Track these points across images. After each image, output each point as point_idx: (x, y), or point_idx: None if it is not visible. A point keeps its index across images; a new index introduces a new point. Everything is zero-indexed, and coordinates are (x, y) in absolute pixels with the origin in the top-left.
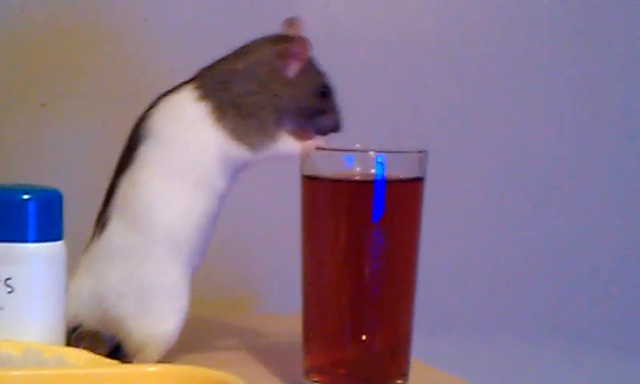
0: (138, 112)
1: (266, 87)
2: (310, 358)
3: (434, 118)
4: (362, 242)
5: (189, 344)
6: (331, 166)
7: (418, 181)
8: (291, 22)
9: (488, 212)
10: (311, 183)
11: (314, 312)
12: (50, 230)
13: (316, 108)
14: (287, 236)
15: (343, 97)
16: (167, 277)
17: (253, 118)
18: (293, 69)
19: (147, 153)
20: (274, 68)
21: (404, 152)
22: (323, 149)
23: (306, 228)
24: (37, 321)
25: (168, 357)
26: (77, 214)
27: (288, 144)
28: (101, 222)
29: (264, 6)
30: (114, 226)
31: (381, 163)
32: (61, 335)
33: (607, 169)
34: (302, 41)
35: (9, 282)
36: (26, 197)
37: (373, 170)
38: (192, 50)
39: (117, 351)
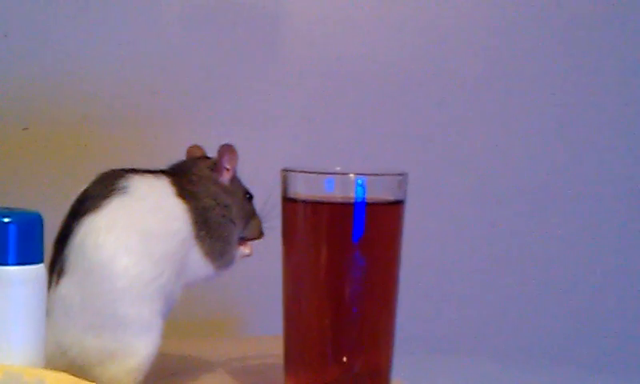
0: (120, 135)
1: (219, 200)
2: (291, 380)
3: (415, 141)
4: (343, 263)
5: (170, 368)
6: (312, 189)
7: (398, 203)
8: (197, 147)
9: (469, 234)
10: (292, 205)
11: (295, 334)
12: (30, 253)
13: (249, 212)
14: (268, 258)
15: (324, 120)
16: (129, 323)
17: (218, 238)
18: (226, 176)
19: (121, 206)
20: (215, 179)
21: (384, 175)
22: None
23: (287, 250)
24: (17, 344)
25: (150, 380)
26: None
27: (240, 254)
28: (55, 270)
29: (249, 30)
30: (71, 275)
31: (361, 186)
32: (41, 358)
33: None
34: (228, 148)
35: None
36: (6, 220)
37: (353, 193)
38: (175, 71)
39: None
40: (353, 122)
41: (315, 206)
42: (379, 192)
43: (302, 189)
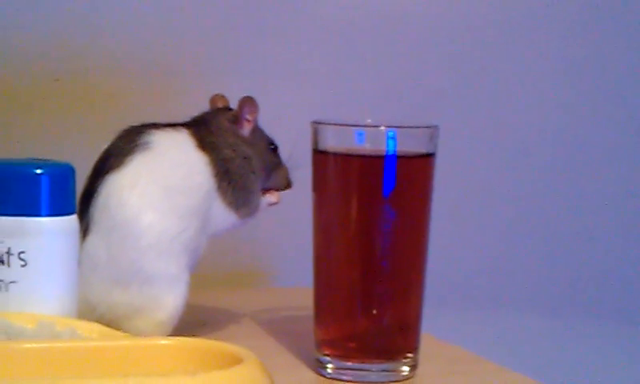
0: (151, 86)
1: (238, 151)
2: (321, 332)
3: (445, 94)
4: (373, 216)
5: (201, 318)
6: (342, 141)
7: (428, 156)
8: (219, 96)
9: (499, 187)
10: (322, 158)
11: (325, 286)
12: (62, 204)
13: (272, 163)
14: (298, 210)
15: (355, 73)
16: (156, 279)
17: (240, 188)
18: (247, 129)
19: (143, 162)
20: (235, 131)
21: (415, 127)
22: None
23: (317, 203)
24: (49, 294)
25: (181, 330)
26: None
27: (266, 203)
28: (82, 227)
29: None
30: (96, 234)
31: (392, 138)
32: (73, 308)
33: (612, 147)
34: (250, 101)
35: (22, 255)
36: (38, 171)
37: (384, 145)
38: (201, 23)
39: None
40: (380, 74)
41: (346, 158)
42: (410, 145)
43: (333, 141)
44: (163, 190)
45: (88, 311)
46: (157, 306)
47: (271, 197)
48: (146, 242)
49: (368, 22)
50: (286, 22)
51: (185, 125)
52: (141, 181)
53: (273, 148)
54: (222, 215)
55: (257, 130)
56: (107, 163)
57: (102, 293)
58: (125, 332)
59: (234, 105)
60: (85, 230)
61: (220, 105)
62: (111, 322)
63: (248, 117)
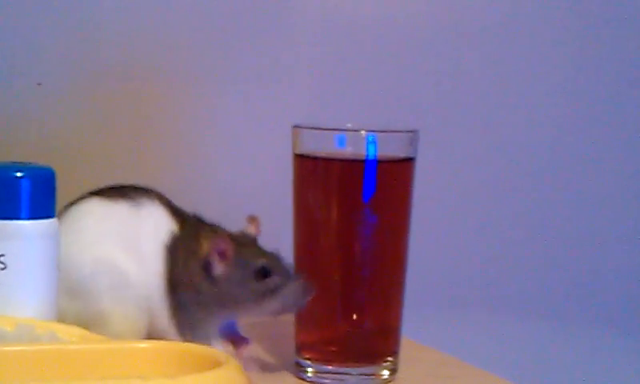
0: (134, 91)
1: (200, 291)
2: (301, 336)
3: (426, 98)
4: (353, 220)
5: None
6: (323, 145)
7: (409, 160)
8: (252, 218)
9: (479, 191)
10: (303, 162)
11: None
12: (43, 207)
13: (257, 293)
14: (279, 215)
15: (337, 76)
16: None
17: (188, 316)
18: (219, 267)
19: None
20: (201, 275)
21: (395, 131)
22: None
23: (298, 207)
24: (29, 297)
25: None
26: (70, 191)
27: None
28: None
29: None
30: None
31: (372, 142)
32: (53, 311)
33: (607, 146)
34: (218, 242)
35: (2, 258)
36: (19, 174)
37: (364, 150)
38: (187, 26)
39: None
40: (363, 78)
41: (326, 162)
42: (390, 149)
43: (314, 145)
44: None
45: None
46: (104, 322)
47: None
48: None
49: (350, 26)
50: (268, 26)
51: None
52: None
53: (263, 273)
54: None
55: (238, 261)
56: None
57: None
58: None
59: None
60: None
61: (252, 231)
62: None
63: (217, 259)
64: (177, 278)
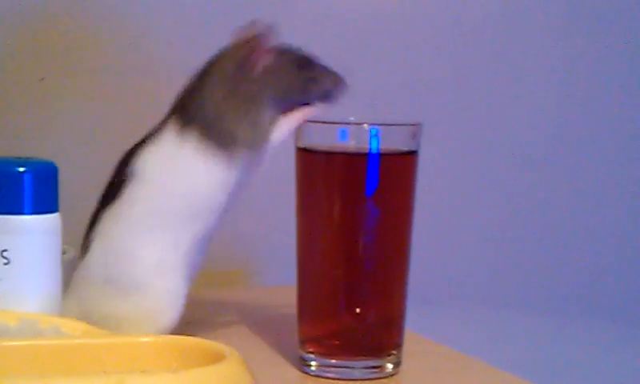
0: (135, 87)
1: (237, 94)
2: (305, 330)
3: (429, 91)
4: (357, 214)
5: (184, 317)
6: (326, 139)
7: (412, 154)
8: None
9: (482, 184)
10: (306, 155)
11: (308, 284)
12: (45, 202)
13: (302, 80)
14: (282, 209)
15: (339, 69)
16: (149, 296)
17: (237, 121)
18: (260, 63)
19: (132, 193)
20: (241, 75)
21: (398, 125)
22: (311, 120)
23: (301, 201)
24: (33, 292)
25: None
26: (73, 186)
27: (285, 125)
28: (84, 245)
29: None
30: (96, 255)
31: (375, 136)
32: (57, 306)
33: (604, 143)
34: (262, 34)
35: (5, 253)
36: (21, 169)
37: (367, 143)
38: (189, 22)
39: None
40: (365, 71)
41: (329, 156)
42: (393, 142)
43: (317, 139)
44: (155, 215)
45: (83, 318)
46: (150, 321)
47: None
48: (141, 270)
49: (353, 19)
50: (273, 16)
51: (172, 111)
52: (133, 212)
53: (301, 64)
54: (229, 161)
55: (280, 54)
56: (106, 195)
57: (95, 305)
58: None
59: None
60: (85, 248)
61: (255, 32)
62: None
63: (257, 53)
64: (206, 121)
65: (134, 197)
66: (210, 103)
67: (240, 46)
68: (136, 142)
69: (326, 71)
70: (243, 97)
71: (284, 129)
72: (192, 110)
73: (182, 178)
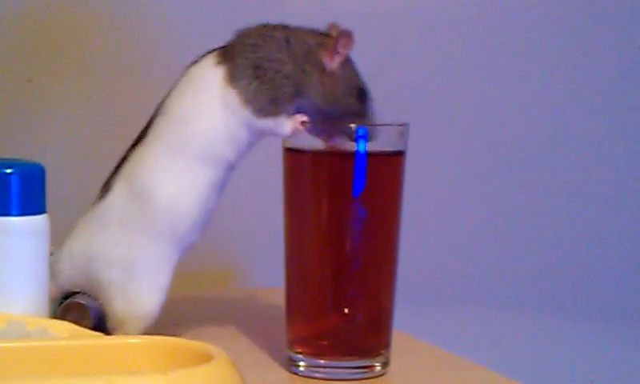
0: (124, 88)
1: (299, 63)
2: (293, 330)
3: (416, 91)
4: (344, 214)
5: (173, 318)
6: (313, 139)
7: (399, 154)
8: (334, 26)
9: (471, 184)
10: (293, 156)
11: (296, 284)
12: (33, 203)
13: (348, 109)
14: (271, 210)
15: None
16: (156, 251)
17: (269, 83)
18: (334, 61)
19: (157, 129)
20: (314, 54)
21: (385, 125)
22: (307, 122)
23: (288, 201)
24: (20, 293)
25: (152, 330)
26: (60, 188)
27: (283, 123)
28: (105, 188)
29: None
30: (117, 192)
31: (362, 136)
32: (44, 307)
33: (596, 143)
34: (348, 35)
35: None
36: (9, 170)
37: (354, 143)
38: (180, 25)
39: (101, 326)
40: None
41: (316, 156)
42: (380, 142)
43: (304, 139)
44: (174, 151)
45: (85, 263)
46: (147, 287)
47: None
48: (158, 207)
49: (340, 20)
50: (263, 17)
51: (224, 47)
52: (162, 152)
53: (361, 95)
54: (239, 115)
55: (347, 69)
56: (141, 133)
57: (104, 246)
58: (109, 302)
59: None
60: (107, 188)
61: (334, 32)
62: (98, 284)
63: (340, 49)
64: (252, 60)
65: (157, 132)
66: (264, 51)
67: (323, 35)
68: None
69: (370, 116)
70: (295, 72)
71: (280, 128)
72: (243, 48)
73: (201, 114)
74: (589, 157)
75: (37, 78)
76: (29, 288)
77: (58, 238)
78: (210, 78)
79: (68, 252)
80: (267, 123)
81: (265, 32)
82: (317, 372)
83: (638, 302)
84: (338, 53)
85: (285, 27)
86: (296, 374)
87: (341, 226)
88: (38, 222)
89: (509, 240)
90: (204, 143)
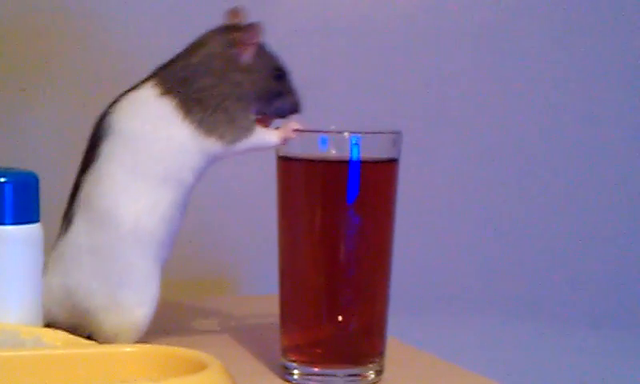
0: (112, 97)
1: (225, 77)
2: (287, 338)
3: (409, 99)
4: (338, 222)
5: (166, 326)
6: (306, 147)
7: (392, 162)
8: (235, 12)
9: (463, 192)
10: (286, 164)
11: (290, 293)
12: (26, 212)
13: (273, 91)
14: (263, 218)
15: (319, 78)
16: (134, 270)
17: (219, 110)
18: (247, 55)
19: (110, 149)
20: (229, 57)
21: (378, 133)
22: (300, 130)
23: (282, 209)
24: (14, 302)
25: (145, 339)
26: (54, 196)
27: (264, 135)
28: (66, 219)
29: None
30: (79, 224)
31: (356, 144)
32: (38, 316)
33: (588, 149)
34: (253, 26)
35: None
36: (2, 179)
37: (348, 151)
38: (174, 30)
39: None
40: (347, 80)
41: (310, 164)
42: (374, 150)
43: (297, 147)
44: (133, 172)
45: (65, 297)
46: (134, 301)
47: (272, 133)
48: (125, 232)
49: (334, 28)
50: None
51: (154, 73)
52: (115, 169)
53: (279, 74)
54: (203, 147)
55: (262, 55)
56: (86, 157)
57: (82, 279)
58: (98, 325)
59: None
60: (69, 220)
61: (235, 20)
62: (83, 314)
63: (248, 42)
64: (193, 93)
65: (111, 154)
66: (195, 84)
67: (230, 31)
68: (110, 103)
69: (292, 91)
70: (228, 88)
71: (266, 139)
72: (176, 83)
73: (159, 137)
74: (586, 161)
75: (29, 88)
76: (23, 297)
77: (52, 247)
78: (158, 108)
79: (45, 289)
80: (244, 145)
81: (184, 63)
82: (311, 380)
83: (634, 307)
84: (248, 45)
85: (196, 47)
86: (290, 382)
87: (334, 233)
88: (31, 230)
89: (503, 248)
90: (166, 167)
